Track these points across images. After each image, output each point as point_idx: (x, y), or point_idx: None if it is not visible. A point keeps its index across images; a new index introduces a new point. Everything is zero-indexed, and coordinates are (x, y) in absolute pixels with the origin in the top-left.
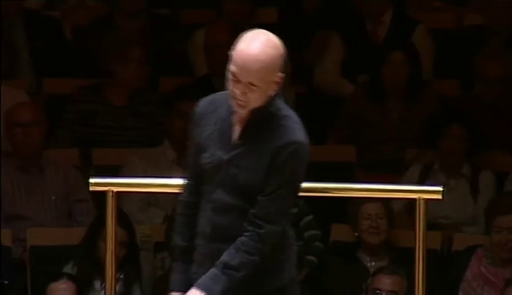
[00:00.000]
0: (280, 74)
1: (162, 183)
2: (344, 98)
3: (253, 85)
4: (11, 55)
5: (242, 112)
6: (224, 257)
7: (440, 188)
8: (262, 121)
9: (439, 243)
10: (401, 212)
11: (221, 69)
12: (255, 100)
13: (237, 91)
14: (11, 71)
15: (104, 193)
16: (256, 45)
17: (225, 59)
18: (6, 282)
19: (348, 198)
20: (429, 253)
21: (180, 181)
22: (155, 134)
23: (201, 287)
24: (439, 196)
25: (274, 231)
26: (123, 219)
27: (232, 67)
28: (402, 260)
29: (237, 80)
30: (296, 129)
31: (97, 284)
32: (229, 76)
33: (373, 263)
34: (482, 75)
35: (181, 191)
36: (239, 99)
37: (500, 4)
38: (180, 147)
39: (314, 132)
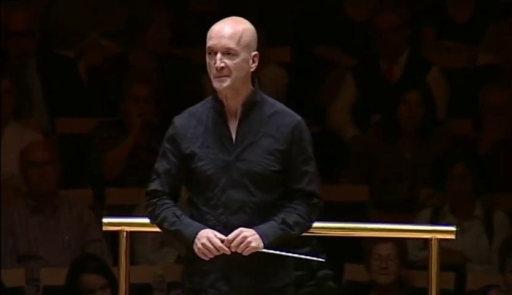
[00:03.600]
0: (255, 52)
1: None
2: (349, 140)
3: (229, 51)
4: (25, 94)
5: (224, 90)
6: (282, 214)
7: (453, 229)
8: (255, 111)
9: (453, 283)
10: None
11: None
12: (236, 69)
13: (217, 62)
14: (25, 111)
15: (117, 233)
16: (226, 20)
17: None
18: None
19: (361, 238)
20: (442, 293)
21: None
22: None
23: (259, 231)
24: (453, 236)
25: (320, 203)
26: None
27: (208, 44)
28: None
29: (214, 52)
30: (290, 111)
31: None
32: (207, 58)
33: None
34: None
35: (152, 193)
36: (219, 71)
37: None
38: None
39: (327, 172)
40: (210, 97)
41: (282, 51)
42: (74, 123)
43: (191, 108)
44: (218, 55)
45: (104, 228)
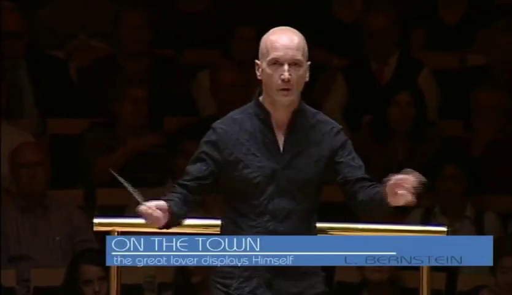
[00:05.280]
0: (309, 61)
1: None
2: None
3: (296, 62)
4: (15, 95)
5: (288, 102)
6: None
7: (444, 229)
8: (301, 120)
9: (444, 283)
10: None
11: (231, 109)
12: (299, 81)
13: (285, 74)
14: (15, 111)
15: (108, 233)
16: (287, 29)
17: (235, 99)
18: None
19: None
20: (433, 293)
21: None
22: (160, 175)
23: None
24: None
25: None
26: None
27: (273, 55)
28: None
29: (280, 64)
30: (331, 119)
31: None
32: (268, 69)
33: None
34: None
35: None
36: (285, 83)
37: (502, 45)
38: None
39: None
40: (252, 103)
41: None
42: (65, 123)
43: (231, 114)
44: (286, 66)
45: (95, 228)
